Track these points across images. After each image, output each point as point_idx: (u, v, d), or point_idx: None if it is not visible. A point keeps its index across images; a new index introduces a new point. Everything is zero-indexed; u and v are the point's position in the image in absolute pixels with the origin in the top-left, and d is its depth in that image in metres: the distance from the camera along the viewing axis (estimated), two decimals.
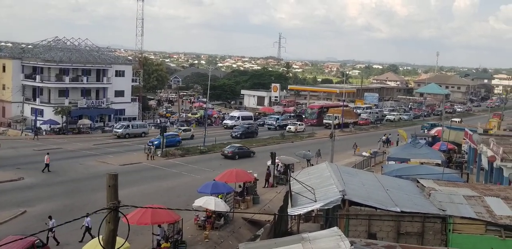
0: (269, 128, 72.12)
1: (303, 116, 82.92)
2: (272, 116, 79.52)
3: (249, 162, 45.17)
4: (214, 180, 30.42)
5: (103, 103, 68.04)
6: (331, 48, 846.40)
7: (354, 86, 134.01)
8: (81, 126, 62.55)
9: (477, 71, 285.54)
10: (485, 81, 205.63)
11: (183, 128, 60.66)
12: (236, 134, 61.15)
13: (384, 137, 61.73)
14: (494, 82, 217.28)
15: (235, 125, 71.72)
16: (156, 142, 49.43)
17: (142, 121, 68.34)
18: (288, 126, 70.62)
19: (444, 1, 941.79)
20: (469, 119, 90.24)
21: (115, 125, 63.90)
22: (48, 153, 40.57)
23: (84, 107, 65.62)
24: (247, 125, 65.96)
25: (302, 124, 72.31)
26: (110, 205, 8.67)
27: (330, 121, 71.52)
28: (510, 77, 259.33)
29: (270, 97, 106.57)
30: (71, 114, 63.14)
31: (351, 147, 55.25)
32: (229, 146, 50.06)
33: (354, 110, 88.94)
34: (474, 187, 23.00)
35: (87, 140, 55.21)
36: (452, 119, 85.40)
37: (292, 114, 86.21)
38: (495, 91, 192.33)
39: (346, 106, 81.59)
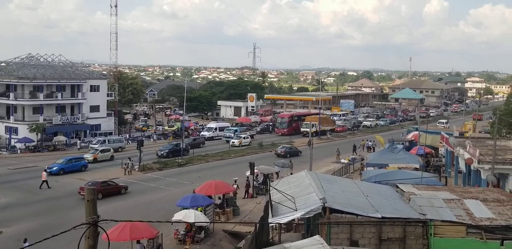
0: (227, 141, 66.89)
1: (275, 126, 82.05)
2: (230, 128, 74.36)
3: (230, 172, 44.86)
4: (194, 192, 30.22)
5: (78, 119, 67.15)
6: (305, 57, 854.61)
7: (330, 94, 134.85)
8: (56, 143, 61.58)
9: (450, 75, 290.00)
10: (459, 84, 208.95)
11: (100, 148, 54.34)
12: (162, 152, 54.93)
13: (370, 143, 62.11)
14: (467, 85, 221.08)
15: (212, 136, 71.52)
16: (54, 168, 44.06)
17: (119, 136, 67.57)
18: (231, 140, 65.61)
19: (414, 8, 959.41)
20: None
21: (84, 140, 63.50)
22: (45, 170, 41.43)
23: (59, 124, 64.59)
24: (175, 143, 59.68)
25: (247, 137, 67.15)
26: (89, 220, 8.51)
27: (308, 129, 72.04)
28: (483, 80, 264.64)
29: (247, 107, 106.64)
30: (46, 131, 62.08)
31: (330, 154, 55.50)
32: (281, 146, 59.09)
33: (331, 117, 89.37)
34: (453, 190, 23.12)
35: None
36: (439, 121, 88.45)
37: (271, 123, 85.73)
38: (469, 94, 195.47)
39: (317, 114, 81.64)
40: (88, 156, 50.66)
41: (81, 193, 34.44)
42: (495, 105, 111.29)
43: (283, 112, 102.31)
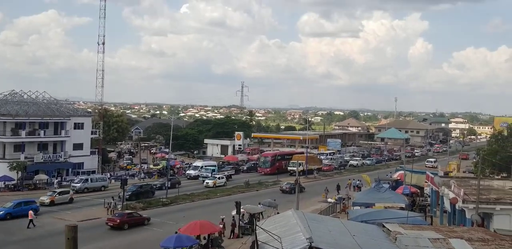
0: (203, 181, 63.51)
1: (257, 165, 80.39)
2: (208, 167, 70.65)
3: (215, 212, 44.24)
4: (177, 232, 29.65)
5: (61, 157, 66.27)
6: (293, 96, 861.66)
7: (317, 133, 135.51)
8: (37, 182, 60.41)
9: (434, 115, 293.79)
10: (443, 125, 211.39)
11: (58, 190, 50.55)
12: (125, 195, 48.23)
13: (358, 182, 61.85)
14: (451, 125, 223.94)
15: (198, 175, 70.80)
16: (1, 213, 40.80)
17: (102, 174, 66.64)
18: (205, 181, 62.33)
19: (399, 49, 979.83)
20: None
21: (66, 178, 62.02)
22: (31, 209, 40.53)
23: (40, 162, 63.53)
24: (139, 184, 55.46)
25: (222, 178, 63.88)
26: None
27: (294, 168, 71.71)
28: (466, 120, 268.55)
29: (234, 146, 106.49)
30: (27, 170, 60.99)
31: (317, 193, 55.16)
32: (285, 183, 60.98)
33: (318, 156, 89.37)
34: (438, 230, 23.00)
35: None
36: (428, 160, 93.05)
37: (257, 162, 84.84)
38: (453, 135, 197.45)
39: (302, 153, 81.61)
40: (45, 199, 47.23)
41: (109, 223, 38.44)
42: (478, 145, 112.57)
43: (270, 150, 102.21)
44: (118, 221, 38.09)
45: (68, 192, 50.51)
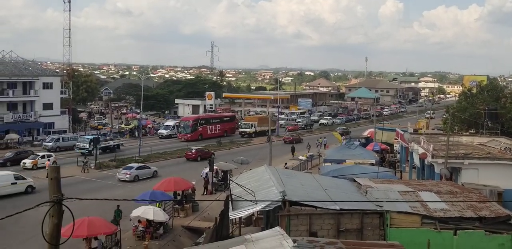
0: (82, 153, 52.06)
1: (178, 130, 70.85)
2: (84, 137, 58.45)
3: (188, 169, 44.59)
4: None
5: (31, 117, 65.45)
6: (263, 56, 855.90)
7: (287, 93, 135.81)
8: (8, 141, 59.76)
9: (404, 75, 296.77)
10: (412, 84, 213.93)
11: (41, 154, 47.24)
12: None
13: (324, 139, 62.62)
14: (420, 85, 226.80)
15: (170, 135, 70.73)
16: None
17: (73, 134, 66.13)
18: (23, 161, 46.08)
19: (369, 8, 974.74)
20: (400, 121, 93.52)
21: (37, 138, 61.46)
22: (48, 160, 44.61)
23: (10, 122, 62.77)
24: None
25: (49, 156, 47.28)
26: (53, 198, 8.48)
27: (247, 130, 72.13)
28: (435, 80, 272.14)
29: (205, 106, 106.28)
30: None
31: (287, 152, 55.85)
32: (338, 127, 73.88)
33: (273, 117, 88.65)
34: (408, 183, 23.74)
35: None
36: (427, 112, 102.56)
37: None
38: (422, 94, 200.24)
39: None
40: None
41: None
42: (446, 104, 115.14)
43: (242, 110, 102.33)
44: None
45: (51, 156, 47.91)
